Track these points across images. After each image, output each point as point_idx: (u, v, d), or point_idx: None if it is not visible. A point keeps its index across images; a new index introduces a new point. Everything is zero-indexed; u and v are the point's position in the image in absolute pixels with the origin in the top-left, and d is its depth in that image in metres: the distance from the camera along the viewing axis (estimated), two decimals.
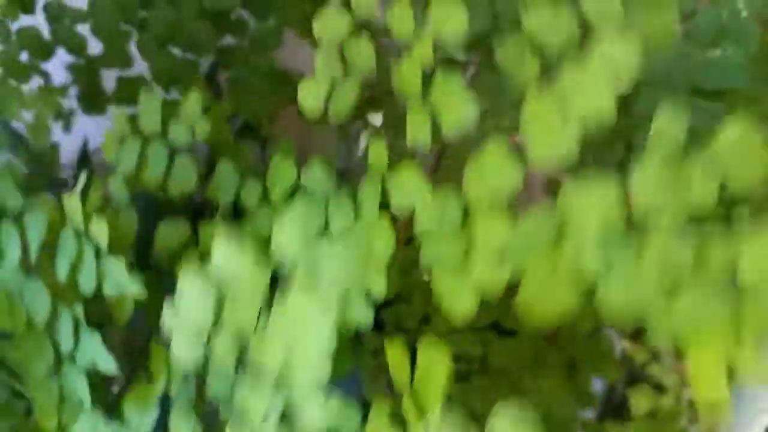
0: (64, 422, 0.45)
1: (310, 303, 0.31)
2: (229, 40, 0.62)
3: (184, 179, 0.47)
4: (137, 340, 0.47)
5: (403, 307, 0.53)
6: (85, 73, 0.64)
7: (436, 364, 0.31)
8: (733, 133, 0.25)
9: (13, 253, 0.45)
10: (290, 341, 0.32)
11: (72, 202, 0.42)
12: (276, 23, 0.60)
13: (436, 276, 0.36)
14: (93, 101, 0.65)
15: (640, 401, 0.68)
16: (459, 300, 0.35)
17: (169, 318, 0.36)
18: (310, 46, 0.42)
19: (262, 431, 0.35)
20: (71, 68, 0.59)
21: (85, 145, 0.71)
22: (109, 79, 0.64)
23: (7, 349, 0.50)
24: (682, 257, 0.25)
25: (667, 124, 0.25)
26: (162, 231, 0.46)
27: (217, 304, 0.33)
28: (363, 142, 0.72)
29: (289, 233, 0.36)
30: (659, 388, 0.71)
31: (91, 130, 0.68)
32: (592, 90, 0.27)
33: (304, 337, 0.31)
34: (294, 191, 0.44)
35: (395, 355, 0.33)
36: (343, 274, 0.36)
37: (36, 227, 0.44)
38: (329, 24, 0.39)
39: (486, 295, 0.34)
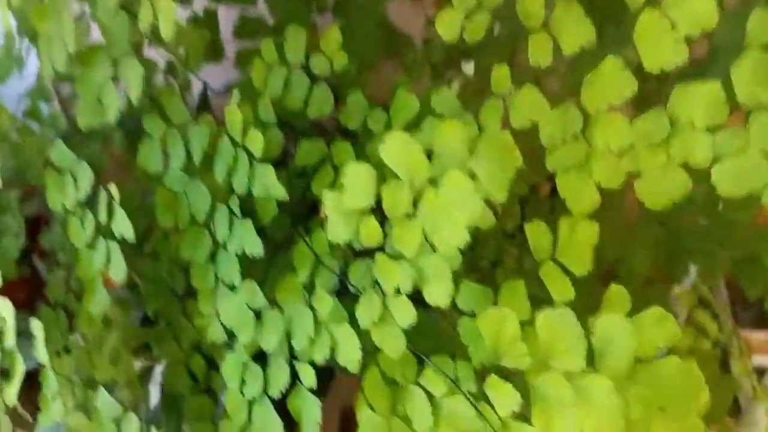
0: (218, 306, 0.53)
1: (457, 193, 0.38)
2: None
3: (322, 105, 0.54)
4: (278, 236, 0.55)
5: None
6: (206, 23, 0.73)
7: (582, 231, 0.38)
8: None
9: (179, 159, 0.53)
10: (431, 227, 0.39)
11: (233, 113, 0.50)
12: None
13: (561, 179, 0.42)
14: (212, 49, 0.73)
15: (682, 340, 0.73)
16: (584, 196, 0.41)
17: (329, 201, 0.43)
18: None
19: (393, 305, 0.42)
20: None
21: (205, 89, 0.78)
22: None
23: (165, 245, 0.59)
24: None
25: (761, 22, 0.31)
26: (303, 148, 0.54)
27: (376, 187, 0.40)
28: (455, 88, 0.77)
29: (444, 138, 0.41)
30: (701, 332, 0.76)
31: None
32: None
33: (445, 223, 0.38)
34: (417, 119, 0.51)
35: (535, 230, 0.40)
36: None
37: (199, 136, 0.52)
38: None
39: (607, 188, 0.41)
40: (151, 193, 0.56)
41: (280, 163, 0.55)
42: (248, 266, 0.51)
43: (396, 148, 0.39)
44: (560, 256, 0.42)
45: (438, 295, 0.40)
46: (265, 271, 0.55)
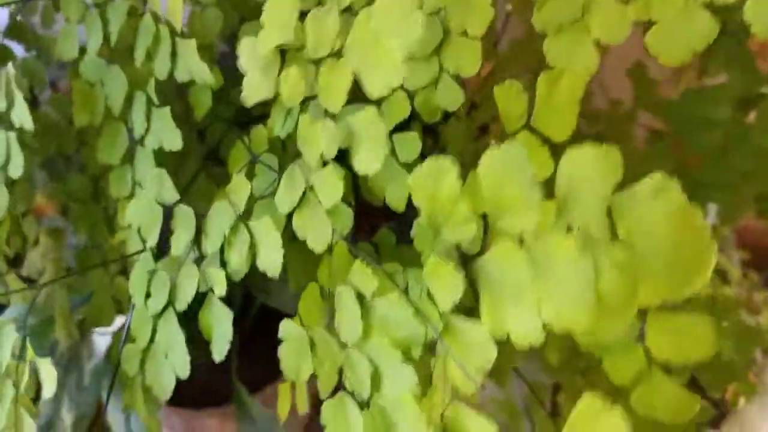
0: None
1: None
2: None
3: None
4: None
5: None
6: None
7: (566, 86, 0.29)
8: None
9: (96, 41, 0.45)
10: (362, 65, 0.30)
11: None
12: None
13: (551, 43, 0.34)
14: None
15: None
16: (577, 58, 0.33)
17: (244, 51, 0.34)
18: None
19: (317, 179, 0.34)
20: None
21: None
22: None
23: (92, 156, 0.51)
24: None
25: None
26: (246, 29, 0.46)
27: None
28: None
29: None
30: (723, 278, 0.67)
31: None
32: None
33: (378, 57, 0.29)
34: None
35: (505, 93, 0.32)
36: None
37: (117, 14, 0.44)
38: None
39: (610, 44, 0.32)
40: None
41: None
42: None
43: None
44: (537, 122, 0.33)
45: (370, 159, 0.31)
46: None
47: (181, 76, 0.43)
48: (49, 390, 0.35)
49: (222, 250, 0.38)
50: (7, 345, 0.38)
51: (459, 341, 0.29)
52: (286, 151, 0.41)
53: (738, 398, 0.63)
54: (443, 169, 0.28)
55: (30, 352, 0.36)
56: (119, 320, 0.62)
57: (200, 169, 0.46)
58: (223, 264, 0.37)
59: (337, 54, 0.32)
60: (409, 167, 0.37)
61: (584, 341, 0.33)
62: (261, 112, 0.49)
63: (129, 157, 0.45)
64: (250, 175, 0.41)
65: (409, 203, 0.31)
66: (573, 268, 0.24)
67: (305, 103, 0.35)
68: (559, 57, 0.35)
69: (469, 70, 0.37)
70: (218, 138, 0.47)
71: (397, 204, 0.38)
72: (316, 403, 0.37)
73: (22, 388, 0.36)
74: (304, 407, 0.39)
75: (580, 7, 0.34)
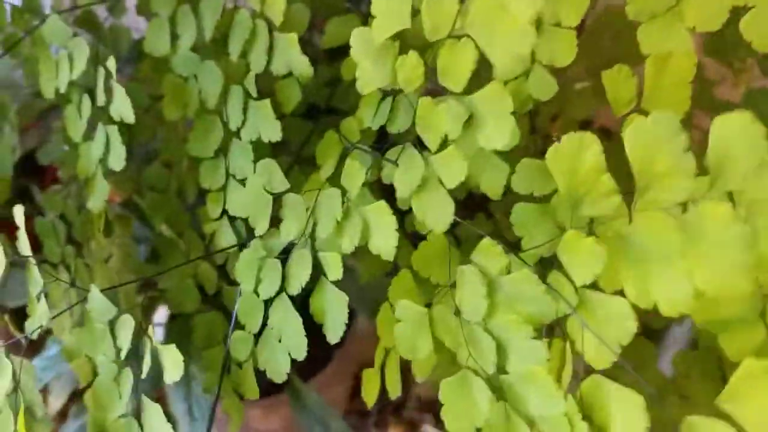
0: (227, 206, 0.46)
1: None
2: None
3: None
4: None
5: None
6: None
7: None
8: None
9: (189, 37, 0.46)
10: (485, 40, 0.31)
11: None
12: None
13: (644, 30, 0.34)
14: None
15: None
16: (675, 43, 0.34)
17: (356, 42, 0.35)
18: None
19: (440, 161, 0.34)
20: None
21: None
22: None
23: (175, 151, 0.52)
24: None
25: None
26: (333, 24, 0.47)
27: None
28: None
29: None
30: None
31: None
32: None
33: (502, 27, 0.30)
34: None
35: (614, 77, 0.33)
36: None
37: (212, 9, 0.45)
38: None
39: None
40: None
41: None
42: None
43: None
44: (648, 105, 0.34)
45: (498, 137, 0.32)
46: None
47: (277, 70, 0.44)
48: (173, 375, 0.36)
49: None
50: (126, 335, 0.38)
51: (595, 315, 0.30)
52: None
53: None
54: (585, 143, 0.28)
55: (151, 339, 0.37)
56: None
57: (295, 160, 0.47)
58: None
59: (455, 35, 0.32)
60: (503, 155, 0.37)
61: (702, 317, 0.34)
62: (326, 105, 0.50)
63: (223, 150, 0.46)
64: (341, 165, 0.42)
65: None
66: (730, 233, 0.25)
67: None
68: (653, 44, 0.36)
69: (564, 60, 0.37)
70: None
71: (495, 191, 0.38)
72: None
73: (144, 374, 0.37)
74: (397, 390, 0.39)
75: None
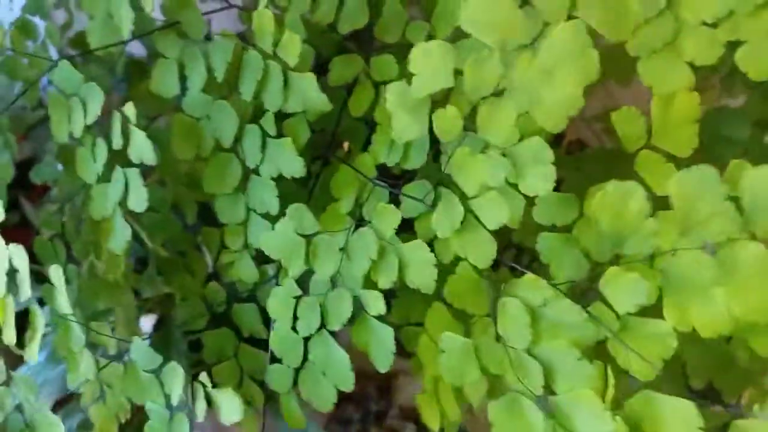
0: (249, 239, 0.47)
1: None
2: None
3: (355, 18, 0.48)
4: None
5: None
6: None
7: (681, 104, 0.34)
8: None
9: (199, 79, 0.46)
10: (527, 100, 0.34)
11: (263, 16, 0.44)
12: None
13: (645, 65, 0.38)
14: None
15: None
16: (672, 78, 0.37)
17: (393, 95, 0.37)
18: None
19: (481, 204, 0.37)
20: None
21: None
22: None
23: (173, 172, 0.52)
24: None
25: None
26: (338, 63, 0.48)
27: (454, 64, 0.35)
28: None
29: None
30: None
31: None
32: None
33: (548, 90, 0.33)
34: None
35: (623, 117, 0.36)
36: None
37: (221, 51, 0.46)
38: None
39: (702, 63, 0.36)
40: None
41: None
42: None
43: (482, 6, 0.33)
44: (657, 141, 0.38)
45: (541, 185, 0.35)
46: None
47: (292, 108, 0.45)
48: (231, 417, 0.37)
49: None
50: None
51: (636, 337, 0.34)
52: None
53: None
54: (630, 190, 0.32)
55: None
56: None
57: (311, 193, 0.48)
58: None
59: (497, 93, 0.35)
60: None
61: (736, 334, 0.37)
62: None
63: (241, 186, 0.47)
64: (360, 199, 0.45)
65: None
66: (763, 268, 0.29)
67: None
68: (654, 78, 0.39)
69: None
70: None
71: (513, 221, 0.41)
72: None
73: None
74: (456, 414, 0.42)
75: (671, 31, 0.38)
